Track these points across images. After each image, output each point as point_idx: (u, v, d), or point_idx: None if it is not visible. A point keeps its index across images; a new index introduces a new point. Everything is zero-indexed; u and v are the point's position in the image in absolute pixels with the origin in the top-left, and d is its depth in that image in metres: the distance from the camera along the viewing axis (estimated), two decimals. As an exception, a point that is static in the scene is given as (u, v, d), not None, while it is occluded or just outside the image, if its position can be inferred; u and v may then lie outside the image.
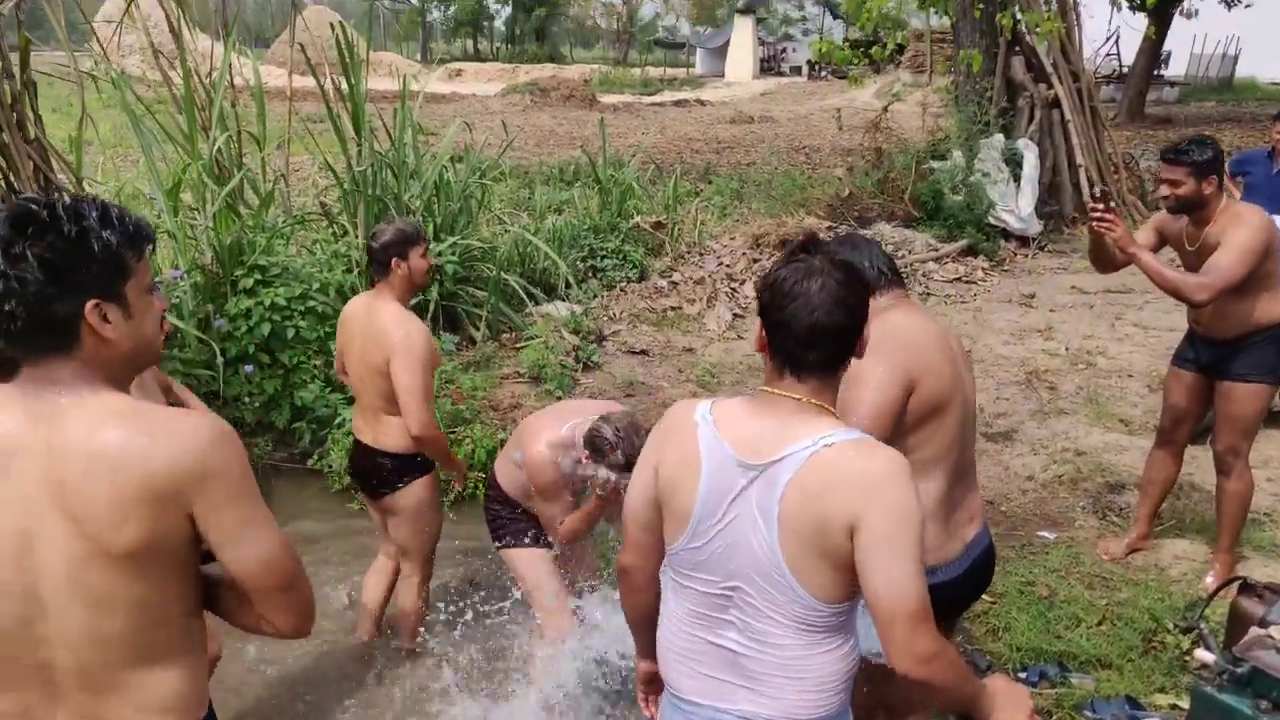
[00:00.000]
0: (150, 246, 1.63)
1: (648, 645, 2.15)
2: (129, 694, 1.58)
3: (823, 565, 1.76)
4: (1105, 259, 3.85)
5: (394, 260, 3.38)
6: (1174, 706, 3.32)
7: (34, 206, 1.50)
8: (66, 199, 1.55)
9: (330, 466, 5.13)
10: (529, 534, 3.49)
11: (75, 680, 1.57)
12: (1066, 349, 7.04)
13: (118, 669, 1.57)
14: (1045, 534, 4.51)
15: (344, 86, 6.18)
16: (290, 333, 5.30)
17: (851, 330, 1.79)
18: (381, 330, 3.36)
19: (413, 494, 3.58)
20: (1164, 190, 3.65)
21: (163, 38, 6.35)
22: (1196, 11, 9.35)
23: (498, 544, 3.57)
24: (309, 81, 6.49)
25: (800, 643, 1.83)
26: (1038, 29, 10.20)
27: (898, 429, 2.33)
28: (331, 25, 6.21)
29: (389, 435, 3.49)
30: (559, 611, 3.37)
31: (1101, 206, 3.58)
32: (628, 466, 2.89)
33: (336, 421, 5.18)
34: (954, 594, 2.47)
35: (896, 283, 2.48)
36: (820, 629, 1.83)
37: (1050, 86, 10.99)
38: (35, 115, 4.62)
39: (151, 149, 5.73)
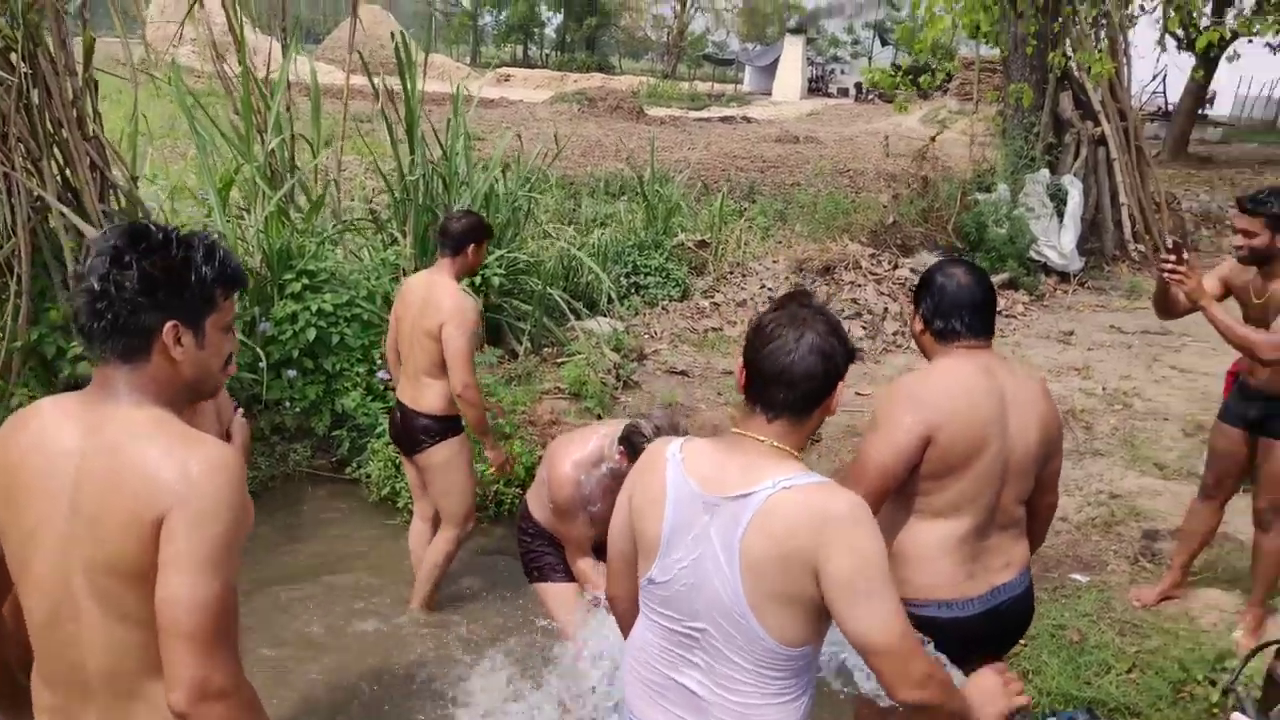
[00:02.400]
0: (241, 289, 1.73)
1: None
2: (154, 702, 1.60)
3: (783, 607, 1.81)
4: (1169, 307, 3.83)
5: (471, 246, 3.83)
6: (1201, 758, 3.33)
7: (153, 228, 1.62)
8: (182, 231, 1.65)
9: (369, 476, 5.16)
10: (560, 568, 3.50)
11: (103, 683, 1.62)
12: (1104, 389, 7.00)
13: (140, 677, 1.61)
14: (1078, 577, 4.50)
15: (397, 89, 6.27)
16: (335, 339, 5.36)
17: (822, 380, 1.85)
18: (439, 299, 3.73)
19: (444, 451, 3.93)
20: (1238, 240, 3.60)
21: (216, 31, 6.49)
22: (1239, 55, 9.33)
23: (530, 577, 3.61)
24: (360, 79, 6.58)
25: (759, 690, 1.88)
26: (1089, 69, 10.17)
27: (913, 474, 2.40)
28: (392, 34, 6.32)
29: (428, 398, 3.86)
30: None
31: (1174, 258, 3.50)
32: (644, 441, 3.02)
33: (377, 431, 5.18)
34: (970, 632, 2.50)
35: (962, 336, 2.45)
36: (780, 674, 1.87)
37: (1097, 124, 10.97)
38: (95, 112, 4.73)
39: (205, 145, 5.84)
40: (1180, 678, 3.70)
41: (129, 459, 1.55)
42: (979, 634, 2.55)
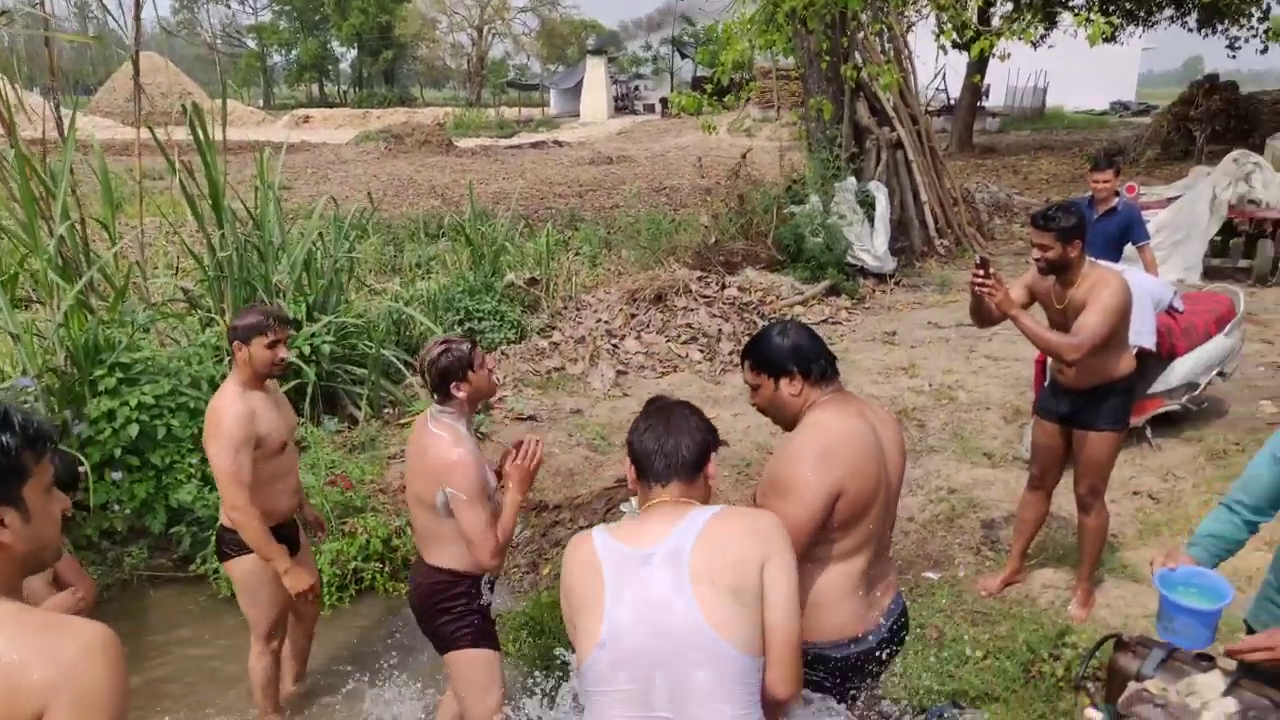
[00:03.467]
0: (50, 445, 1.60)
1: None
2: None
3: (739, 611, 2.01)
4: (984, 316, 4.09)
5: (235, 344, 3.48)
6: (1054, 732, 3.57)
7: None
8: None
9: (217, 571, 4.88)
10: (488, 631, 3.28)
11: None
12: (930, 385, 7.42)
13: None
14: (930, 575, 4.75)
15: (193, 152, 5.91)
16: (161, 432, 5.05)
17: (699, 447, 2.23)
18: (210, 409, 3.47)
19: (238, 567, 3.64)
20: (1035, 254, 3.92)
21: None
22: (1009, 54, 10.20)
23: (445, 649, 3.26)
24: (145, 133, 6.11)
25: (729, 716, 1.98)
26: (879, 79, 10.79)
27: (824, 527, 2.47)
28: (184, 107, 6.00)
29: (224, 511, 3.53)
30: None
31: (982, 273, 3.78)
32: (471, 354, 3.09)
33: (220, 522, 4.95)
34: (881, 656, 2.66)
35: (833, 374, 2.60)
36: (745, 690, 2.00)
37: (893, 129, 11.65)
38: None
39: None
40: (1028, 658, 3.96)
41: None
42: (883, 658, 2.69)
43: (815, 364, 2.56)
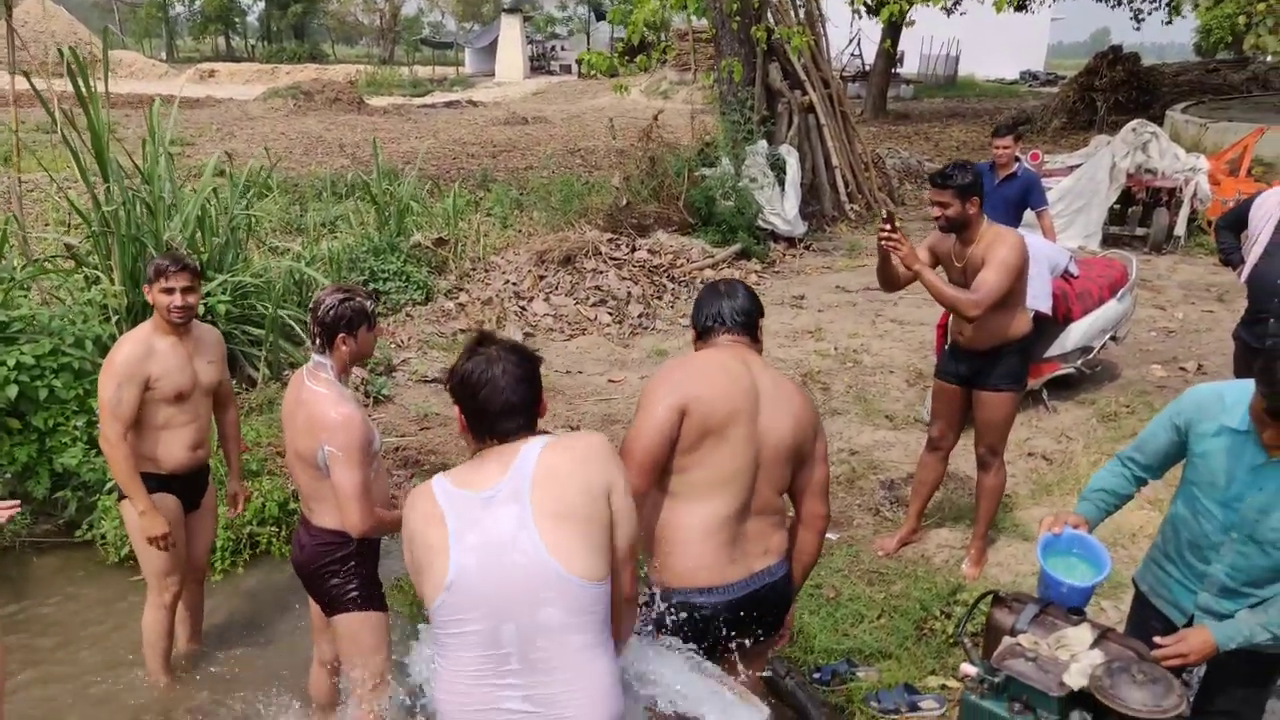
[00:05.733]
0: None
1: None
2: None
3: (585, 541, 2.05)
4: (892, 278, 4.16)
5: (145, 287, 3.56)
6: (943, 687, 3.68)
7: None
8: None
9: (104, 537, 4.73)
10: (365, 593, 3.18)
11: None
12: (835, 349, 7.53)
13: None
14: (829, 535, 4.82)
15: (78, 103, 5.60)
16: (43, 393, 4.84)
17: (535, 399, 2.19)
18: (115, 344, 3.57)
19: (124, 510, 3.69)
20: (935, 211, 4.00)
21: None
22: (914, 22, 10.38)
23: (339, 609, 3.17)
24: (32, 82, 5.71)
25: (580, 648, 2.05)
26: (790, 42, 10.80)
27: (671, 453, 2.55)
28: (60, 51, 5.68)
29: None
30: (384, 686, 3.18)
31: (889, 227, 3.83)
32: (371, 311, 3.07)
33: (107, 487, 4.77)
34: (729, 617, 2.62)
35: (737, 329, 2.70)
36: (593, 618, 2.07)
37: (805, 93, 11.69)
38: None
39: None
40: (921, 616, 4.08)
41: None
42: (737, 619, 2.67)
43: (704, 318, 2.73)
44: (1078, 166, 10.89)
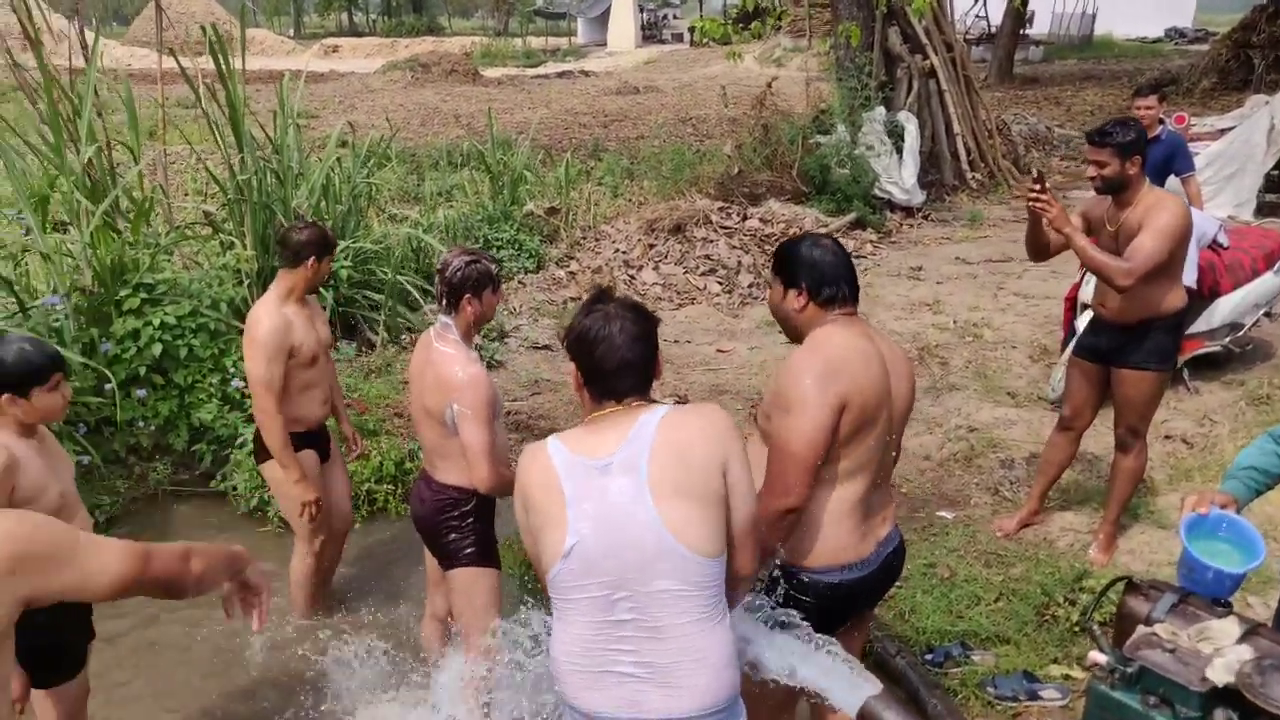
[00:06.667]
0: None
1: None
2: None
3: (701, 515, 2.04)
4: (1040, 245, 3.95)
5: (310, 260, 3.67)
6: (1066, 677, 3.55)
7: None
8: None
9: (235, 488, 4.98)
10: (484, 550, 3.26)
11: None
12: (955, 322, 7.31)
13: None
14: (944, 514, 4.72)
15: (218, 78, 5.88)
16: (183, 351, 5.13)
17: (651, 358, 2.15)
18: (249, 319, 3.68)
19: (268, 471, 3.87)
20: (1090, 171, 3.78)
21: (10, 19, 5.96)
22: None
23: (450, 564, 3.26)
24: (179, 60, 6.03)
25: (695, 619, 2.05)
26: (911, 4, 10.44)
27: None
28: (203, 28, 5.92)
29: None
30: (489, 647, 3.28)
31: (1039, 188, 3.63)
32: (496, 274, 3.10)
33: (239, 441, 5.03)
34: (868, 588, 2.61)
35: (845, 301, 2.51)
36: (708, 592, 2.06)
37: (926, 58, 11.31)
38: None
39: (14, 164, 5.42)
40: (1043, 601, 3.92)
41: None
42: (872, 591, 2.66)
43: (827, 287, 2.49)
44: (1230, 129, 10.12)
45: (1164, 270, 3.74)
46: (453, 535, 3.22)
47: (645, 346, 2.13)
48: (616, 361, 2.09)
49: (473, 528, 3.22)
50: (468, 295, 3.04)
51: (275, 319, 3.61)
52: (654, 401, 2.16)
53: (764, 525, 2.34)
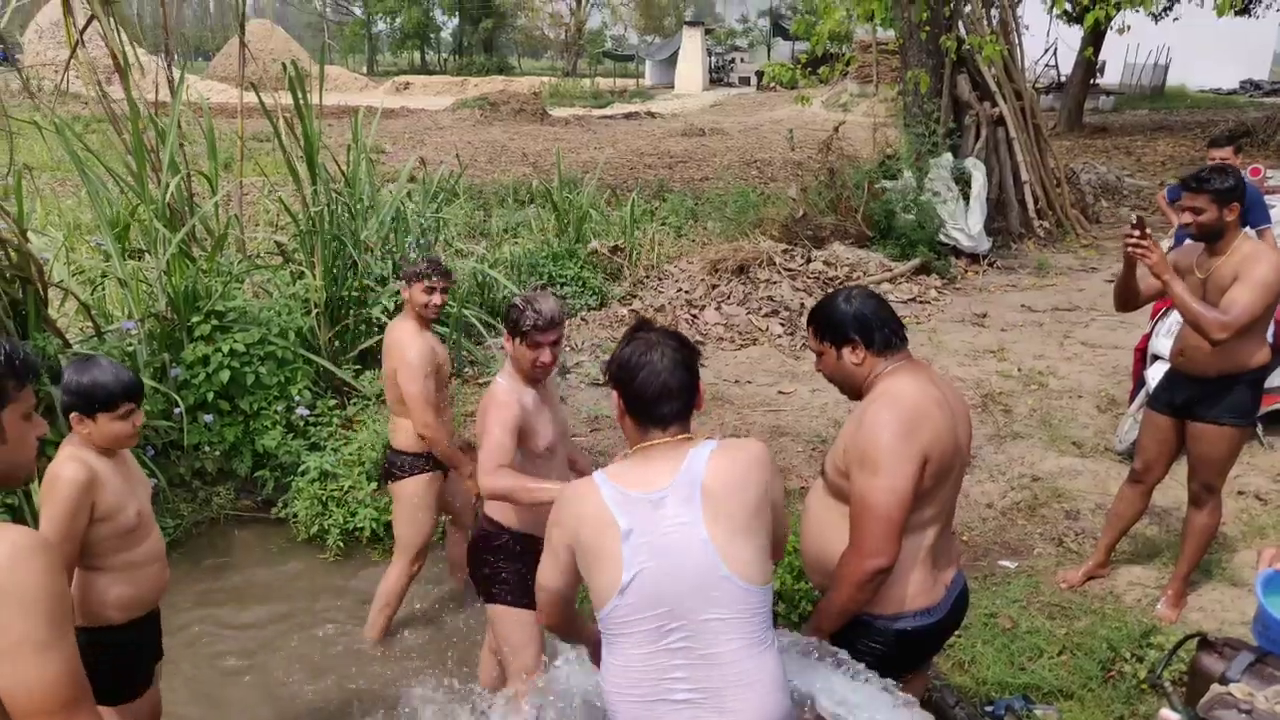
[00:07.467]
0: (34, 377, 1.71)
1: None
2: None
3: (753, 545, 2.09)
4: (1131, 293, 3.85)
5: (402, 285, 3.98)
6: (1133, 735, 3.43)
7: None
8: None
9: (295, 515, 5.06)
10: (517, 589, 3.23)
11: None
12: (1019, 370, 7.18)
13: None
14: (1006, 563, 4.61)
15: (293, 115, 6.09)
16: (250, 379, 5.25)
17: (692, 386, 2.19)
18: (392, 344, 3.96)
19: (405, 487, 4.07)
20: (1186, 217, 3.70)
21: (98, 51, 6.23)
22: (1129, 27, 9.70)
23: (487, 598, 3.31)
24: (260, 95, 6.32)
25: (744, 645, 2.06)
26: (981, 51, 10.41)
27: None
28: (284, 65, 6.13)
29: (395, 435, 4.08)
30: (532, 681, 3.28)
31: (1138, 233, 3.51)
32: (520, 320, 3.05)
33: (300, 469, 5.13)
34: (941, 631, 2.58)
35: (900, 344, 2.50)
36: (758, 619, 2.09)
37: (995, 105, 11.24)
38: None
39: (98, 192, 5.64)
40: (1109, 656, 3.79)
41: None
42: (942, 634, 2.62)
43: (879, 332, 2.47)
44: (1304, 183, 9.95)
45: (1254, 325, 3.62)
46: (485, 570, 3.25)
47: (686, 373, 2.17)
48: (658, 387, 2.13)
49: (504, 565, 3.21)
50: (507, 334, 3.13)
51: (421, 342, 3.89)
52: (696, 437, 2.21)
53: (853, 586, 2.35)
